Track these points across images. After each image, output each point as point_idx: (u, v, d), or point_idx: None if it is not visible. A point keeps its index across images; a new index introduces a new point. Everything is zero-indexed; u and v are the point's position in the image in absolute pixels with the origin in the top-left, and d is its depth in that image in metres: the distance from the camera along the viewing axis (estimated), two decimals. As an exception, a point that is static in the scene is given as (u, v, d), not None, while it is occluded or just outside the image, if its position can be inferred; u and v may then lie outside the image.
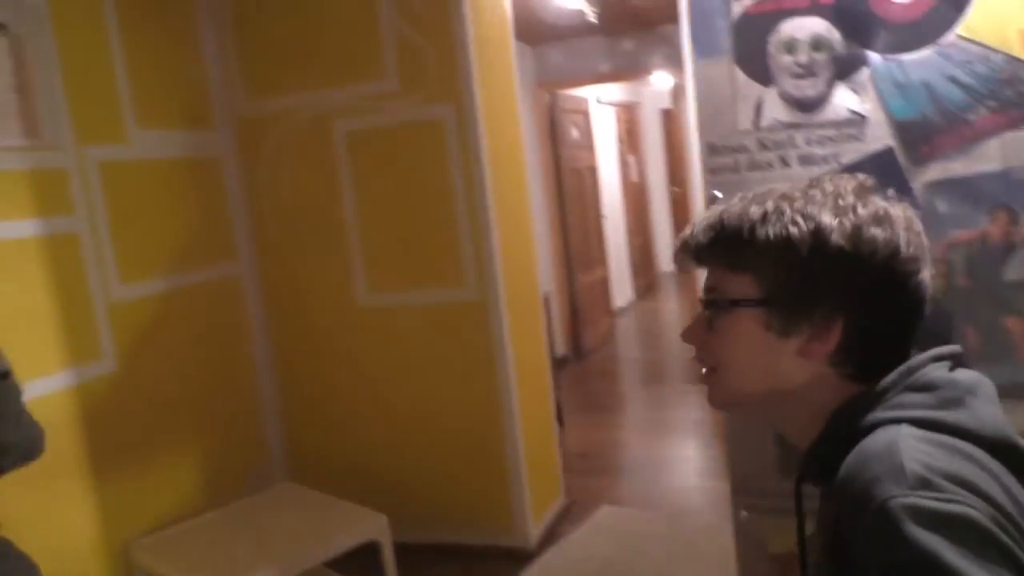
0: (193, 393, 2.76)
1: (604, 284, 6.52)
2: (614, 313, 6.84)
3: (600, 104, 6.89)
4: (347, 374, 3.06)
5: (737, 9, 1.69)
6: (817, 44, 1.65)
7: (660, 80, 6.72)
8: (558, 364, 4.93)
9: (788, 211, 0.79)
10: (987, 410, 0.74)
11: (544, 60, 5.55)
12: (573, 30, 4.98)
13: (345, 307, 3.01)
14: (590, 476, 3.67)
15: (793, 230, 0.77)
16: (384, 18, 2.77)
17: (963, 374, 0.78)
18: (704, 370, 0.87)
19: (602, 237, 6.56)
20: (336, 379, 3.08)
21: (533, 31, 4.82)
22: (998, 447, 0.71)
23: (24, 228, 2.22)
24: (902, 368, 0.77)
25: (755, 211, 0.80)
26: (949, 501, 0.63)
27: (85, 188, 2.40)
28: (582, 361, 5.78)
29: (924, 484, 0.65)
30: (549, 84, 5.56)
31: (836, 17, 1.62)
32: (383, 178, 2.89)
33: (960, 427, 0.72)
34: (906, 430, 0.71)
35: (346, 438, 3.09)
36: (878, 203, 0.79)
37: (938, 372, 0.77)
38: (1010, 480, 0.69)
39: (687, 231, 0.86)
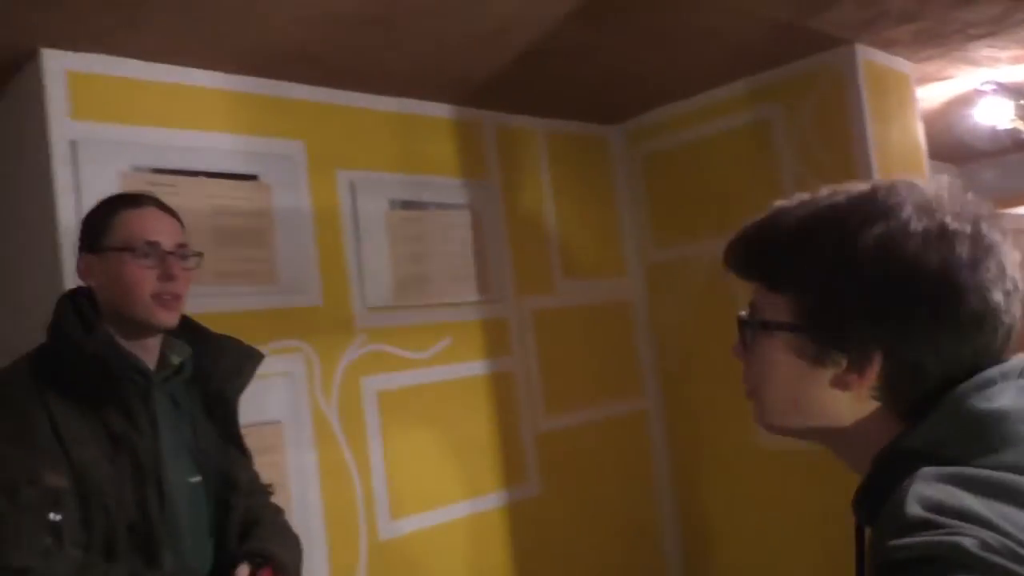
0: (601, 515, 2.97)
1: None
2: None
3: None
4: (752, 512, 3.02)
5: None
6: None
7: None
8: None
9: (823, 227, 0.71)
10: None
11: (974, 178, 5.07)
12: (1007, 147, 4.50)
13: (746, 445, 3.01)
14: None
15: (826, 250, 0.69)
16: (785, 168, 2.86)
17: None
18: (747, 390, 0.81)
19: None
20: (738, 515, 3.06)
21: (957, 151, 4.47)
22: None
23: (476, 368, 2.70)
24: (946, 400, 0.66)
25: (788, 222, 0.74)
26: (937, 537, 0.57)
27: (521, 333, 2.85)
28: None
29: (923, 525, 0.58)
30: (981, 204, 5.02)
31: None
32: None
33: (1005, 465, 0.62)
34: (930, 471, 0.63)
35: (748, 582, 3.02)
36: (941, 218, 0.67)
37: (986, 403, 0.65)
38: None
39: (735, 235, 0.80)
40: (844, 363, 0.71)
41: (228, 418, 1.47)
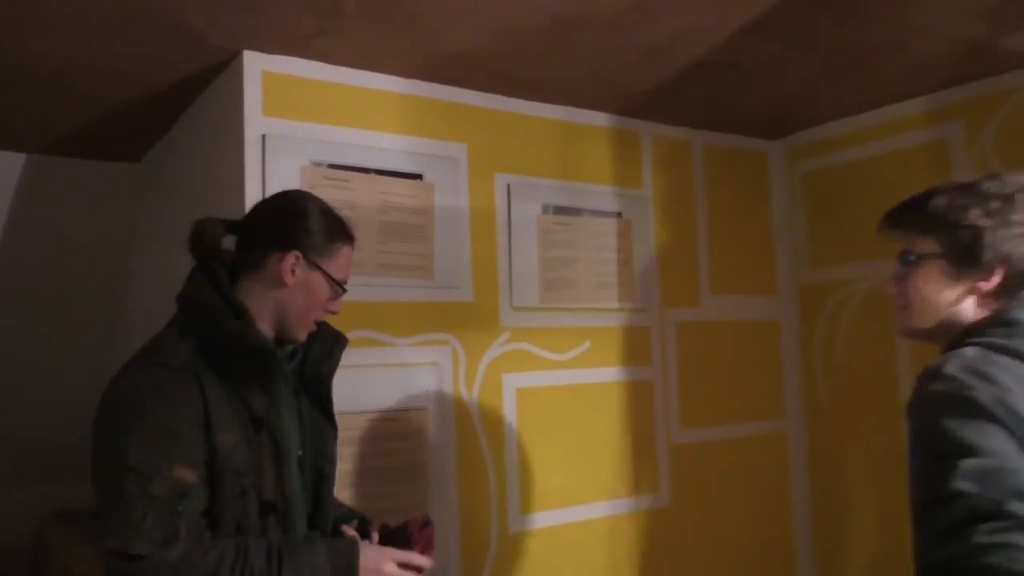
0: (731, 534, 2.92)
1: None
2: None
3: None
4: (892, 556, 2.88)
5: None
6: None
7: None
8: None
9: (960, 194, 1.20)
10: None
11: None
12: None
13: (892, 479, 2.87)
14: None
15: (964, 211, 1.17)
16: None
17: None
18: (898, 306, 1.26)
19: None
20: (876, 543, 2.92)
21: None
22: None
23: (614, 374, 2.72)
24: (996, 308, 1.16)
25: (936, 193, 1.23)
26: (960, 387, 1.01)
27: (662, 344, 2.84)
28: None
29: (949, 378, 1.03)
30: None
31: None
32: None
33: (1009, 348, 1.07)
34: (971, 350, 1.09)
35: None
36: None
37: (1021, 313, 1.13)
38: None
39: (899, 203, 1.30)
40: (976, 276, 1.17)
41: (324, 397, 1.55)
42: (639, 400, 2.77)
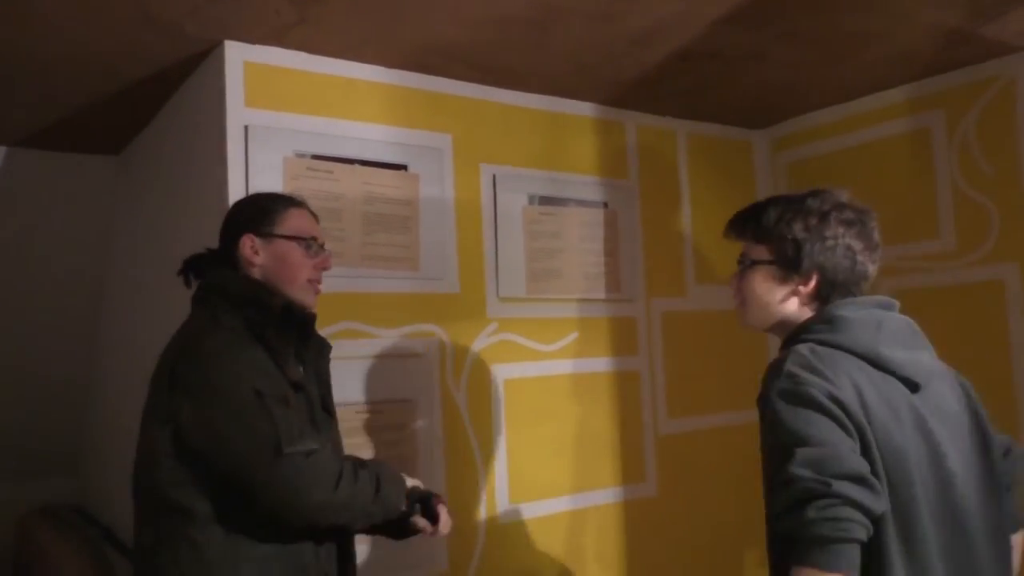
0: (718, 522, 2.94)
1: None
2: None
3: None
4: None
5: None
6: None
7: None
8: None
9: (789, 206, 1.39)
10: (865, 335, 1.29)
11: None
12: None
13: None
14: None
15: (790, 225, 1.37)
16: (941, 177, 2.72)
17: (876, 314, 1.33)
18: (737, 301, 1.48)
19: None
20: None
21: None
22: (867, 357, 1.28)
23: (601, 364, 2.73)
24: (818, 308, 1.37)
25: (768, 204, 1.42)
26: (798, 383, 1.21)
27: (649, 334, 2.85)
28: None
29: (790, 375, 1.23)
30: None
31: None
32: (935, 341, 2.75)
33: (836, 343, 1.29)
34: (804, 347, 1.29)
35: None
36: (850, 216, 1.37)
37: (842, 311, 1.32)
38: (872, 374, 1.27)
39: (738, 213, 1.48)
40: (798, 281, 1.37)
41: (328, 394, 1.68)
42: (626, 390, 2.77)
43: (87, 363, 3.47)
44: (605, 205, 2.80)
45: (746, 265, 1.44)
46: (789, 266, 1.37)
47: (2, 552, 3.49)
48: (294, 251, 1.60)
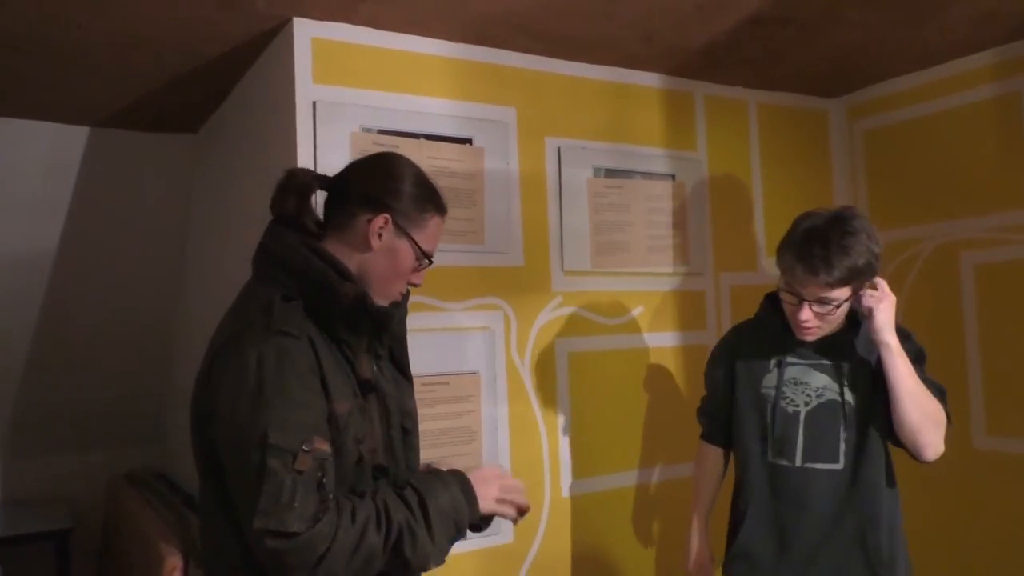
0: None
1: None
2: None
3: None
4: (965, 520, 2.80)
5: None
6: None
7: None
8: None
9: (874, 251, 1.70)
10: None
11: None
12: None
13: (958, 448, 2.79)
14: None
15: (877, 263, 1.73)
16: (1031, 146, 2.58)
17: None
18: (814, 326, 1.75)
19: None
20: (951, 525, 2.85)
21: None
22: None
23: (668, 339, 2.70)
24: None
25: (861, 257, 1.68)
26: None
27: (717, 308, 2.80)
28: None
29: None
30: None
31: None
32: (1016, 315, 2.63)
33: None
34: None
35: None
36: None
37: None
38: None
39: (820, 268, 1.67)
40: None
41: (404, 355, 1.52)
42: (693, 365, 2.74)
43: (169, 336, 3.62)
44: (672, 177, 2.75)
45: (836, 306, 1.69)
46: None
47: (93, 513, 3.69)
48: (409, 260, 1.41)
